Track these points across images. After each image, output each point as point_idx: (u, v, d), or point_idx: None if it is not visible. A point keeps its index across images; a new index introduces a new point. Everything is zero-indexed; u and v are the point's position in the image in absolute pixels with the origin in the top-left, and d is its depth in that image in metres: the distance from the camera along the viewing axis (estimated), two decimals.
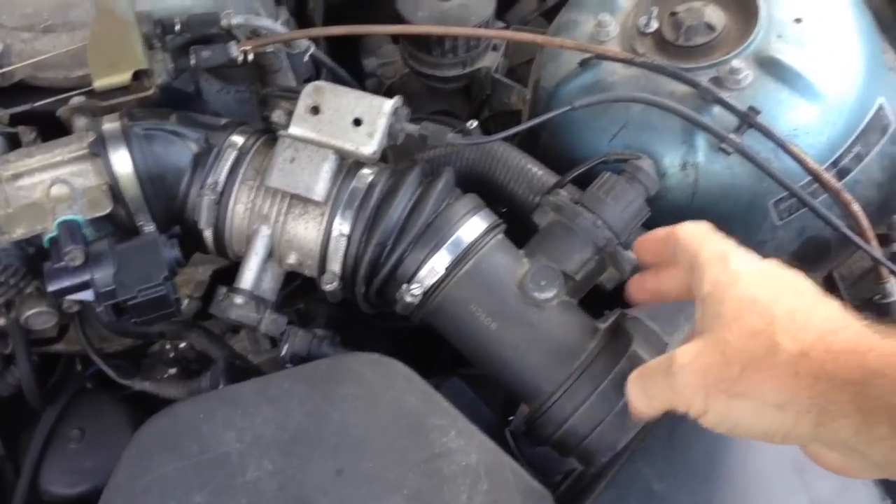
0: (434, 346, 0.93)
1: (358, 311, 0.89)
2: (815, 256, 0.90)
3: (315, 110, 0.75)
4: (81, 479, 0.81)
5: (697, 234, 0.59)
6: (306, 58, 0.88)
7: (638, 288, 0.67)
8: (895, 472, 0.47)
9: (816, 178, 0.79)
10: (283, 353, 0.76)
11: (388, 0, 1.03)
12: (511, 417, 0.75)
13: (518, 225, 0.81)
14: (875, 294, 0.82)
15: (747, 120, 0.79)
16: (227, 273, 0.98)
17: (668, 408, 0.55)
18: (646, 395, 0.57)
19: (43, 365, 0.84)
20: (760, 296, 0.51)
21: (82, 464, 0.81)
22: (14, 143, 0.78)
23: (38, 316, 0.74)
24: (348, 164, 0.76)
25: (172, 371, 0.91)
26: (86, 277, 0.68)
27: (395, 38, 1.19)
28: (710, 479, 0.66)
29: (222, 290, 0.75)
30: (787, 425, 0.48)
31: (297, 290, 0.95)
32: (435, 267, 0.72)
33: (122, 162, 0.73)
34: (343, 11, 1.17)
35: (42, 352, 0.84)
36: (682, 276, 0.59)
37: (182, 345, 0.89)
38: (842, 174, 0.83)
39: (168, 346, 0.90)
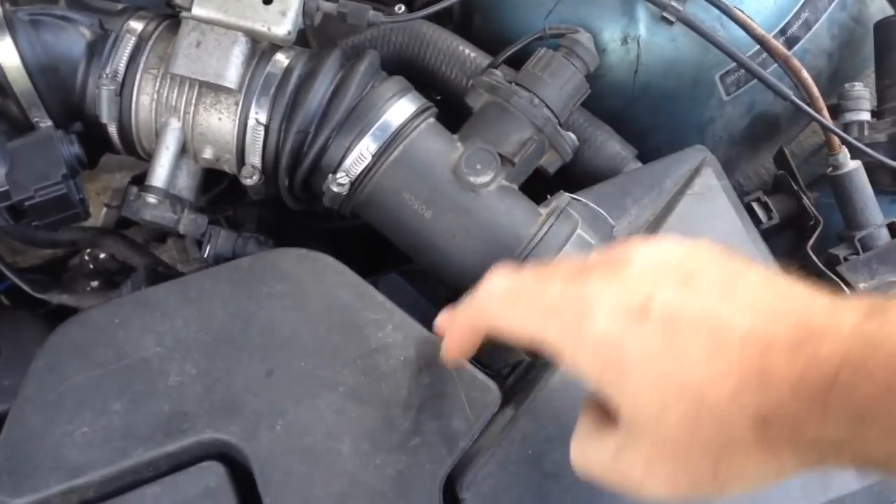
0: (376, 249, 0.89)
1: (290, 214, 0.84)
2: (765, 133, 0.87)
3: None
4: (1, 398, 0.75)
5: (506, 314, 0.48)
6: None
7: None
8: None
9: (764, 45, 0.75)
10: (206, 254, 0.71)
11: None
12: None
13: (451, 112, 0.76)
14: (828, 168, 0.80)
15: None
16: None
17: None
18: None
19: None
20: (664, 367, 0.41)
21: (1, 382, 0.76)
22: None
23: None
24: (262, 48, 0.70)
25: (94, 284, 0.85)
26: None
27: None
28: None
29: (133, 189, 0.69)
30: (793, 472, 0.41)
31: (224, 195, 0.89)
32: (362, 153, 0.67)
33: (7, 52, 0.65)
34: None
35: None
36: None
37: (102, 255, 0.83)
38: (790, 43, 0.80)
39: (87, 258, 0.84)
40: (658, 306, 0.42)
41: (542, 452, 0.60)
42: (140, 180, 0.89)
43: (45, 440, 0.58)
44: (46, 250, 0.85)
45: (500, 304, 0.49)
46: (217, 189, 0.88)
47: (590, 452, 0.48)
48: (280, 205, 0.77)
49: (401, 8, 0.81)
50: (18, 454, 0.57)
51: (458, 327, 0.53)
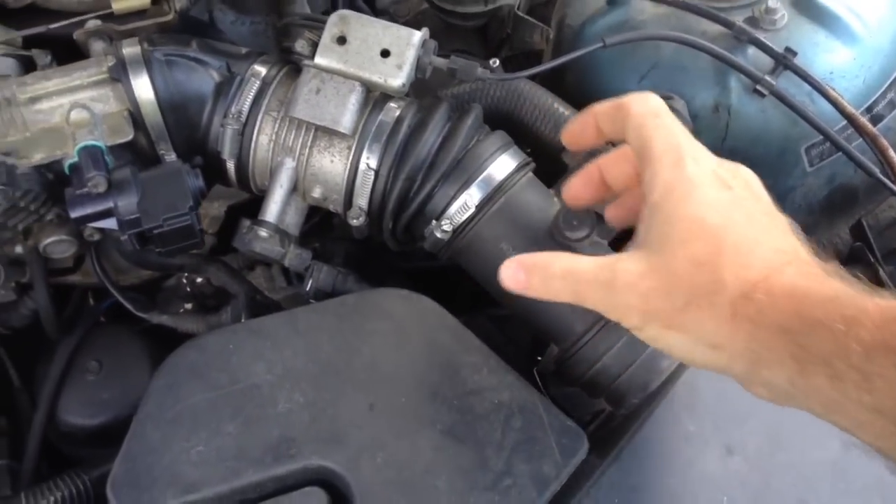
0: (451, 289, 0.92)
1: (375, 251, 0.88)
2: (843, 204, 0.89)
3: (341, 40, 0.72)
4: (100, 410, 0.79)
5: (650, 114, 0.53)
6: None
7: (578, 187, 0.61)
8: (837, 422, 0.44)
9: (852, 122, 0.78)
10: (308, 287, 0.74)
11: None
12: (539, 358, 0.75)
13: (543, 166, 0.80)
14: None
15: (783, 61, 0.77)
16: (242, 209, 0.96)
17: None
18: (575, 296, 0.52)
19: (56, 297, 0.82)
20: (711, 218, 0.47)
21: (101, 395, 0.80)
22: (28, 67, 0.75)
23: (57, 244, 0.72)
24: (375, 97, 0.74)
25: (188, 306, 0.89)
26: (109, 205, 0.66)
27: None
28: (743, 420, 0.66)
29: (246, 222, 0.73)
30: (721, 364, 0.48)
31: (312, 228, 0.94)
32: (466, 203, 0.71)
33: (143, 88, 0.70)
34: None
35: (56, 283, 0.82)
36: (629, 163, 0.55)
37: (199, 279, 0.87)
38: (875, 121, 0.83)
39: (184, 281, 0.88)
40: (743, 178, 0.51)
41: (629, 502, 0.63)
42: (236, 210, 0.95)
43: (164, 456, 0.61)
44: (145, 272, 0.90)
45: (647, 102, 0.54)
46: (308, 224, 0.92)
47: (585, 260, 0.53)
48: (367, 241, 0.81)
49: (495, 62, 0.85)
50: (138, 468, 0.61)
51: (600, 108, 0.57)
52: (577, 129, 0.59)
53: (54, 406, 0.80)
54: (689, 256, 0.47)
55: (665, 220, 0.49)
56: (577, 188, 0.61)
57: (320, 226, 0.94)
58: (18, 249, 0.74)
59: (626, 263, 0.50)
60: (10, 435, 0.81)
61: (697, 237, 0.47)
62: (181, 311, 0.89)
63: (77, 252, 0.75)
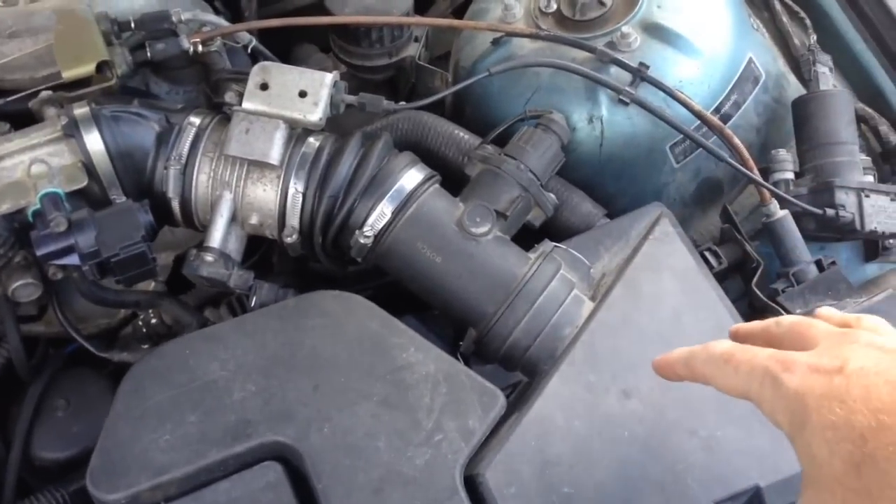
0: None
1: (311, 281, 0.99)
2: (710, 195, 1.04)
3: (264, 87, 0.85)
4: (70, 444, 0.87)
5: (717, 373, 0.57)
6: (249, 49, 0.98)
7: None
8: None
9: (702, 119, 0.92)
10: (252, 304, 0.84)
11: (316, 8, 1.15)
12: (461, 343, 0.85)
13: (450, 186, 0.92)
14: (762, 218, 0.96)
15: (639, 74, 0.92)
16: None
17: None
18: None
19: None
20: (835, 411, 0.45)
21: (70, 429, 0.87)
22: None
23: (24, 287, 0.81)
24: (297, 133, 0.86)
25: (145, 347, 0.98)
26: (70, 241, 0.76)
27: (324, 48, 1.29)
28: (636, 368, 0.77)
29: (193, 251, 0.84)
30: None
31: (255, 266, 1.04)
32: (383, 212, 0.83)
33: (94, 141, 0.81)
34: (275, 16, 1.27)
35: (23, 334, 0.90)
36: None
37: (154, 321, 0.96)
38: (724, 120, 0.97)
39: (140, 323, 0.97)
40: (853, 366, 0.47)
41: (543, 444, 0.73)
42: (181, 258, 1.04)
43: (135, 447, 0.70)
44: (103, 320, 0.98)
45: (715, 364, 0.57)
46: (250, 262, 1.02)
47: None
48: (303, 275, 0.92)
49: (402, 104, 0.98)
50: (113, 458, 0.69)
51: (681, 366, 0.61)
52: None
53: (28, 443, 0.87)
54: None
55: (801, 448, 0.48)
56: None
57: (260, 263, 1.04)
58: None
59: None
60: None
61: None
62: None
63: (41, 298, 0.84)
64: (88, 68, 0.84)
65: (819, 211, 0.92)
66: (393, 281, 0.89)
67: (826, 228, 0.95)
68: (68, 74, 0.83)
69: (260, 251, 1.04)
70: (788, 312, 0.90)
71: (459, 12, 1.20)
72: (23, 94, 0.86)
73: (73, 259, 0.77)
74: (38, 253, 0.76)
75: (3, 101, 0.85)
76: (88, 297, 0.86)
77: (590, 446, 0.73)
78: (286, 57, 1.30)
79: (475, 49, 1.04)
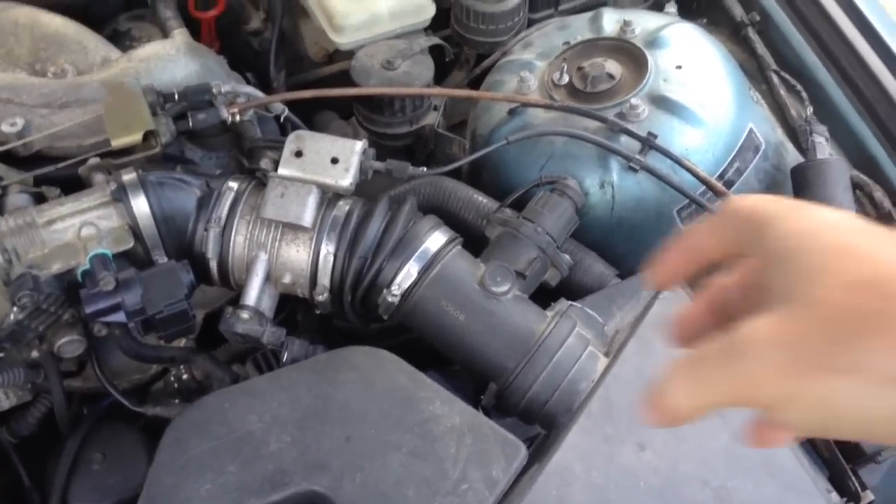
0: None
1: (336, 338, 1.03)
2: None
3: (298, 154, 0.91)
4: (106, 495, 0.90)
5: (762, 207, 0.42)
6: (282, 119, 1.04)
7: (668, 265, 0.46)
8: None
9: (707, 185, 0.98)
10: (284, 359, 0.89)
11: (339, 78, 1.22)
12: (482, 397, 0.90)
13: (468, 246, 0.97)
14: None
15: (648, 143, 0.98)
16: (218, 316, 1.10)
17: (727, 403, 0.40)
18: (697, 389, 0.41)
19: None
20: (857, 241, 0.39)
21: (106, 481, 0.91)
22: (39, 202, 0.90)
23: (69, 344, 0.85)
24: (328, 197, 0.92)
25: (176, 402, 1.02)
26: (118, 299, 0.81)
27: (345, 115, 1.36)
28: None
29: (229, 308, 0.88)
30: None
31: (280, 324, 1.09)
32: (409, 272, 0.88)
33: (140, 205, 0.87)
34: (299, 85, 1.34)
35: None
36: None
37: (184, 376, 1.00)
38: (728, 185, 1.03)
39: (172, 379, 1.01)
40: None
41: (563, 494, 0.76)
42: (211, 316, 1.09)
43: (178, 495, 0.74)
44: (136, 376, 1.02)
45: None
46: (278, 319, 1.07)
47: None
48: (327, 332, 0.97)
49: (423, 169, 1.05)
50: None
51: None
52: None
53: (66, 495, 0.90)
54: (843, 282, 0.38)
55: (798, 259, 0.40)
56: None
57: (286, 323, 1.09)
58: (34, 354, 0.87)
59: (749, 324, 0.39)
60: None
61: (849, 260, 0.39)
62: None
63: (81, 354, 0.89)
64: (136, 137, 0.90)
65: None
66: (413, 338, 0.94)
67: None
68: (117, 143, 0.89)
69: (286, 309, 1.08)
70: None
71: (475, 83, 1.27)
72: (72, 161, 0.92)
73: (119, 316, 0.82)
74: (87, 310, 0.80)
75: (55, 167, 0.91)
76: (128, 353, 0.90)
77: (608, 496, 0.77)
78: (308, 124, 1.38)
79: (492, 118, 1.11)
